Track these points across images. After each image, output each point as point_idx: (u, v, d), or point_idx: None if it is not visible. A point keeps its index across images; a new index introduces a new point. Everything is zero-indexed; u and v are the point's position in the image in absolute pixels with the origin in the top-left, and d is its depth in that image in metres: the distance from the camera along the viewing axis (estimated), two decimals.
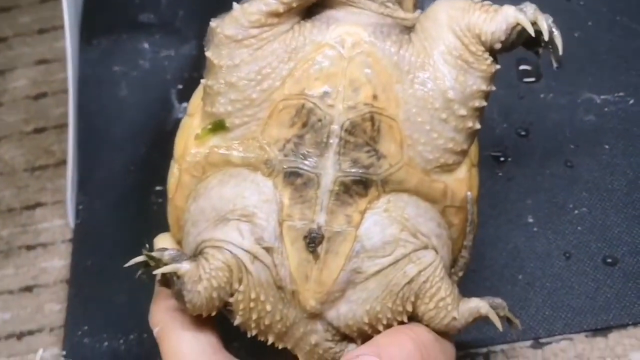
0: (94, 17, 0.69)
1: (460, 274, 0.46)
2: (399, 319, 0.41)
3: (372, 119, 0.40)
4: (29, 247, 0.61)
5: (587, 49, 0.63)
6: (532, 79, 0.62)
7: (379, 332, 0.41)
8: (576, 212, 0.56)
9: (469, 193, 0.43)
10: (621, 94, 0.61)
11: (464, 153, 0.42)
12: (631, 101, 0.60)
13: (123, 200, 0.62)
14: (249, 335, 0.43)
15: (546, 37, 0.40)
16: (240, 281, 0.41)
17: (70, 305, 0.57)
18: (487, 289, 0.54)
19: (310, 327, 0.42)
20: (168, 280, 0.41)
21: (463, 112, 0.41)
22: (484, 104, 0.41)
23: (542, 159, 0.59)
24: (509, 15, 0.40)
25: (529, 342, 0.52)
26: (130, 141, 0.64)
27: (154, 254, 0.41)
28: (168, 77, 0.67)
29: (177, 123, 0.64)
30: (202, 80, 0.43)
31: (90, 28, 0.69)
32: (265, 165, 0.41)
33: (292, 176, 0.40)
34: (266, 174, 0.41)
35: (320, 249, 0.40)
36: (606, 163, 0.58)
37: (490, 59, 0.41)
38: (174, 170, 0.45)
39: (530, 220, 0.56)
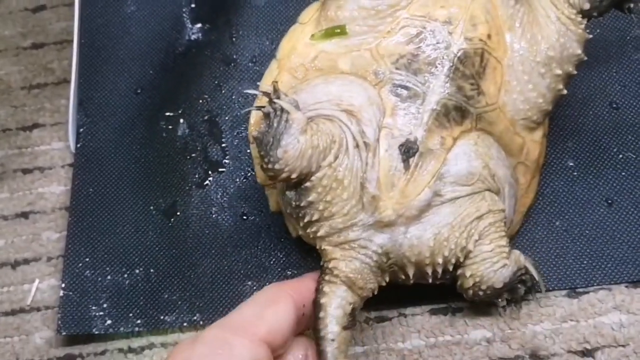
0: None
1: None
2: (458, 255, 0.43)
3: (482, 55, 0.44)
4: (25, 171, 0.57)
5: None
6: None
7: (434, 268, 0.42)
8: (620, 156, 0.52)
9: None
10: None
11: (545, 115, 0.47)
12: None
13: (129, 125, 0.57)
14: (306, 220, 0.42)
15: None
16: (336, 157, 0.41)
17: (70, 234, 0.53)
18: (520, 235, 0.50)
19: (368, 236, 0.42)
20: (268, 125, 0.41)
21: (558, 71, 0.45)
22: (575, 72, 0.46)
23: (585, 99, 0.54)
24: None
25: (564, 292, 0.49)
26: (137, 61, 0.59)
27: (280, 95, 0.42)
28: None
29: (189, 45, 0.60)
30: None
31: None
32: (374, 74, 0.43)
33: (400, 88, 0.43)
34: (373, 83, 0.43)
35: (412, 162, 0.42)
36: None
37: (584, 23, 0.46)
38: (273, 68, 0.47)
39: (571, 163, 0.52)
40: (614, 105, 0.54)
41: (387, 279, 0.43)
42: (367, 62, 0.44)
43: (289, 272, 0.51)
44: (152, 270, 0.52)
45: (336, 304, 0.41)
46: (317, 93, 0.44)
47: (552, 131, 0.53)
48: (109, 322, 0.50)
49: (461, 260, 0.43)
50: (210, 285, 0.51)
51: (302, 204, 0.42)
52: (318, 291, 0.42)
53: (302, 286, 0.42)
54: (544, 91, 0.45)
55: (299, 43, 0.46)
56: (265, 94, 0.42)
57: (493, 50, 0.44)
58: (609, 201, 0.51)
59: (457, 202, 0.42)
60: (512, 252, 0.45)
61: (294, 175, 0.41)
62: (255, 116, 0.47)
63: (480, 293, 0.44)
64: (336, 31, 0.45)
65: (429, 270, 0.42)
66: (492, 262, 0.43)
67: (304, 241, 0.47)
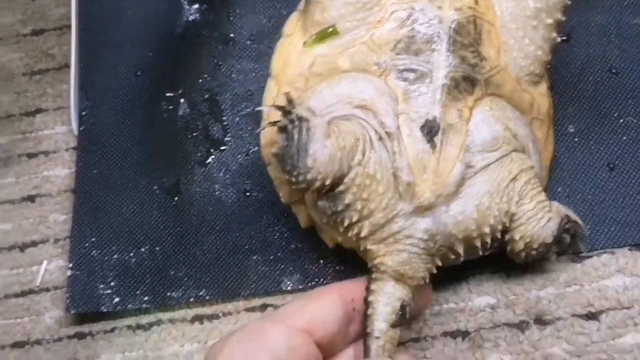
0: None
1: None
2: (503, 220, 0.43)
3: (474, 22, 0.44)
4: (30, 155, 0.57)
5: None
6: None
7: (483, 240, 0.42)
8: (621, 121, 0.52)
9: None
10: None
11: (547, 65, 0.47)
12: None
13: (130, 107, 0.57)
14: (345, 224, 0.42)
15: None
16: (364, 154, 0.41)
17: (76, 215, 0.54)
18: None
19: (411, 224, 0.41)
20: (287, 138, 0.40)
21: (549, 20, 0.46)
22: (564, 18, 0.46)
23: (584, 65, 0.54)
24: None
25: (568, 256, 0.49)
26: (136, 44, 0.59)
27: (295, 105, 0.41)
28: None
29: (187, 25, 0.60)
30: None
31: None
32: (376, 65, 0.43)
33: (406, 72, 0.43)
34: (377, 74, 0.43)
35: (437, 140, 0.42)
36: None
37: None
38: (271, 86, 0.47)
39: (571, 129, 0.52)
40: (614, 71, 0.54)
41: (439, 263, 0.43)
42: (365, 55, 0.44)
43: (292, 246, 0.51)
44: (157, 248, 0.52)
45: (384, 301, 0.41)
46: (324, 97, 0.44)
47: (551, 98, 0.53)
48: (117, 299, 0.51)
49: (507, 225, 0.43)
50: (216, 261, 0.51)
51: (339, 209, 0.42)
52: (367, 290, 0.42)
53: (352, 284, 0.42)
54: (541, 42, 0.46)
55: (291, 54, 0.46)
56: (278, 107, 0.41)
57: (483, 15, 0.44)
58: (611, 166, 0.51)
59: (489, 169, 0.42)
60: (551, 204, 0.45)
61: (327, 182, 0.40)
62: (265, 136, 0.47)
63: (533, 253, 0.44)
64: (329, 31, 0.45)
65: (478, 243, 0.42)
66: (537, 219, 0.43)
67: (343, 249, 0.47)
